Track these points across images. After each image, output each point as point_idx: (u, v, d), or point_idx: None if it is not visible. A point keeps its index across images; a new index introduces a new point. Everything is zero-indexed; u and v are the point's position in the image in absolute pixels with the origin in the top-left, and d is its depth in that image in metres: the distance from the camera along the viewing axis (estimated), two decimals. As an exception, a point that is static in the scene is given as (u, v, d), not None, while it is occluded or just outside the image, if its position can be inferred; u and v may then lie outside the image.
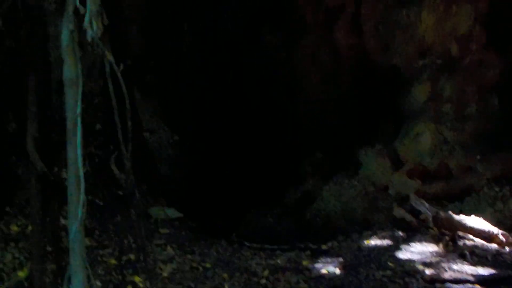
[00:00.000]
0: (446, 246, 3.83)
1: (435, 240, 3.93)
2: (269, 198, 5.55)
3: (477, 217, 4.13)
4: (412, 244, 3.88)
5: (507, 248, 3.88)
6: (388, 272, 3.45)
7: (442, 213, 4.14)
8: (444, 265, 3.57)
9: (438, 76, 5.12)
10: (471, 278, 3.39)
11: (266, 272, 3.50)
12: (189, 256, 3.78)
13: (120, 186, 2.76)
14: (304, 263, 3.66)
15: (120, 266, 3.20)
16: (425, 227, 4.12)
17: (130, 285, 3.14)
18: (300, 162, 5.67)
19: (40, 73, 2.77)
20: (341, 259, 3.68)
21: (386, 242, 3.95)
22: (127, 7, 5.54)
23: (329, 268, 3.53)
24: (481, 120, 5.12)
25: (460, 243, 3.84)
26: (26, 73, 2.77)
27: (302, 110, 5.76)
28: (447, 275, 3.41)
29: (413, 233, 4.04)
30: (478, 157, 4.94)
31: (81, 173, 2.10)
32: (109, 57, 2.13)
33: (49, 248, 2.73)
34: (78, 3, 2.16)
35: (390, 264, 3.57)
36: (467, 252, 3.70)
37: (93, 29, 2.10)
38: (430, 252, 3.76)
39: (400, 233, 4.05)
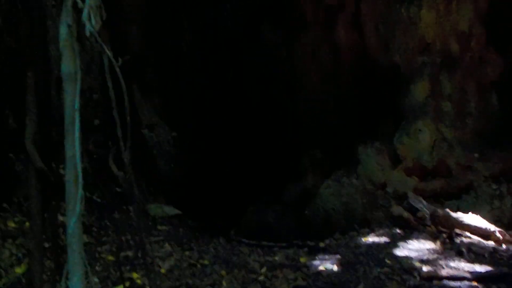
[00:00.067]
0: (443, 244, 3.85)
1: (433, 238, 3.94)
2: (268, 195, 5.56)
3: (474, 215, 4.14)
4: (410, 241, 3.89)
5: (504, 246, 3.90)
6: (386, 269, 3.46)
7: (439, 211, 4.15)
8: (442, 262, 3.58)
9: (438, 74, 5.12)
10: (468, 275, 3.40)
11: (264, 269, 3.50)
12: (187, 253, 3.79)
13: (119, 183, 2.76)
14: (302, 260, 3.67)
15: (118, 263, 3.20)
16: (423, 224, 4.13)
17: (128, 281, 3.15)
18: (300, 160, 5.67)
19: (39, 70, 2.76)
20: (339, 256, 3.69)
21: (384, 239, 3.96)
22: (127, 5, 5.53)
23: (327, 265, 3.54)
24: (480, 119, 5.12)
25: (457, 240, 3.85)
26: (25, 70, 2.76)
27: (301, 108, 5.76)
28: (444, 272, 3.42)
29: (411, 231, 4.05)
30: (477, 155, 4.94)
31: (79, 169, 2.10)
32: (108, 51, 2.12)
33: (47, 245, 2.73)
34: (76, -3, 2.15)
35: (387, 261, 3.58)
36: (464, 250, 3.71)
37: (91, 23, 2.09)
38: (427, 249, 3.77)
39: (398, 231, 4.07)
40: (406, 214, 4.18)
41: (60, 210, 2.70)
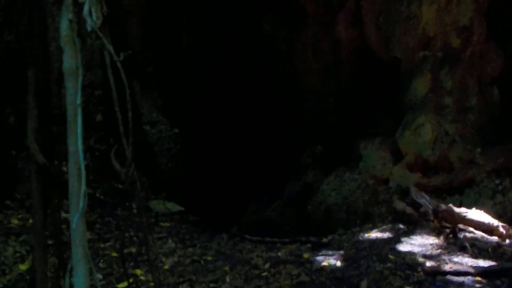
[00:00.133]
0: (446, 239, 3.84)
1: (436, 233, 3.93)
2: (270, 192, 5.55)
3: (477, 210, 4.13)
4: (413, 236, 3.88)
5: (507, 241, 3.89)
6: (389, 265, 3.45)
7: (442, 206, 4.13)
8: (445, 257, 3.58)
9: (439, 69, 5.10)
10: (471, 270, 3.39)
11: (267, 265, 3.50)
12: (190, 249, 3.79)
13: (121, 180, 2.76)
14: (305, 255, 3.67)
15: (122, 259, 3.20)
16: (426, 219, 4.12)
17: (132, 277, 3.14)
18: (301, 156, 5.66)
19: (40, 68, 2.75)
20: (342, 252, 3.69)
21: (386, 234, 3.95)
22: (127, 4, 5.52)
23: (330, 260, 3.53)
24: (481, 113, 5.11)
25: (461, 235, 3.84)
26: (25, 68, 2.75)
27: (302, 104, 5.75)
28: (447, 267, 3.41)
29: (414, 226, 4.04)
30: (479, 149, 4.93)
31: (82, 164, 2.09)
32: (109, 46, 2.11)
33: (50, 241, 2.72)
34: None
35: (390, 256, 3.57)
36: (467, 245, 3.71)
37: (92, 18, 2.08)
38: (430, 244, 3.77)
39: (401, 226, 4.06)
40: (408, 210, 4.17)
41: (63, 207, 2.70)
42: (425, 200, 4.26)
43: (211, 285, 3.23)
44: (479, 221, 3.98)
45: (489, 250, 3.69)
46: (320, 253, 3.68)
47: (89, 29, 2.10)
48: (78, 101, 2.16)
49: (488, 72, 5.16)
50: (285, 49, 5.76)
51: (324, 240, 3.99)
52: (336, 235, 4.09)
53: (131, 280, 2.99)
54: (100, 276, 3.22)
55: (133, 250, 3.53)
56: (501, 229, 3.96)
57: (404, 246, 3.74)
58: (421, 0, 5.05)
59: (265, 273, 3.40)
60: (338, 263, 3.51)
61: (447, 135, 4.99)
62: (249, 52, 5.89)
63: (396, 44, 5.20)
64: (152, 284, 3.12)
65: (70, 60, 2.21)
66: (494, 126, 5.08)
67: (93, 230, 3.81)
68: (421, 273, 3.37)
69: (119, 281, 3.25)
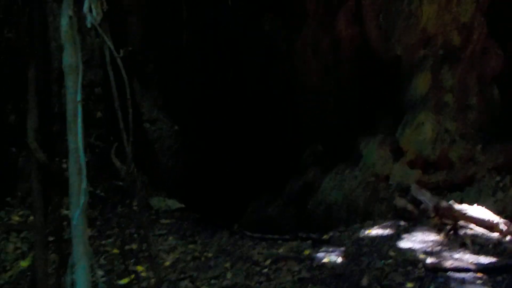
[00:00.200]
0: (447, 235, 3.84)
1: (436, 230, 3.94)
2: (271, 189, 5.56)
3: (478, 207, 4.13)
4: (414, 233, 3.88)
5: (508, 237, 3.89)
6: (390, 261, 3.46)
7: (443, 203, 4.14)
8: (446, 254, 3.58)
9: (440, 67, 5.10)
10: (472, 267, 3.39)
11: (268, 261, 3.50)
12: (191, 246, 3.79)
13: (121, 177, 2.76)
14: (306, 252, 3.67)
15: (123, 256, 3.21)
16: (426, 216, 4.12)
17: (133, 274, 3.15)
18: (301, 153, 5.67)
19: (40, 65, 2.76)
20: (342, 249, 3.69)
21: (387, 231, 3.96)
22: (127, 1, 5.52)
23: (330, 257, 3.54)
24: (482, 110, 5.11)
25: (461, 232, 3.84)
26: (25, 66, 2.76)
27: (302, 102, 5.75)
28: (448, 263, 3.42)
29: (414, 223, 4.04)
30: (479, 147, 4.93)
31: (83, 160, 2.10)
32: (109, 42, 2.12)
33: (51, 238, 2.73)
34: (77, -11, 2.15)
35: (391, 253, 3.58)
36: (468, 241, 3.71)
37: (92, 14, 2.09)
38: (431, 241, 3.77)
39: (401, 223, 4.06)
40: (409, 206, 4.17)
41: (64, 204, 2.70)
42: (425, 197, 4.26)
43: (212, 281, 3.24)
44: (480, 218, 3.99)
45: (490, 246, 3.69)
46: (321, 250, 3.69)
47: (89, 25, 2.10)
48: (78, 98, 2.16)
49: (488, 70, 5.16)
50: (285, 48, 5.76)
51: (325, 237, 3.99)
52: (336, 232, 4.10)
53: (132, 277, 3.00)
54: (101, 273, 3.23)
55: (134, 246, 3.54)
56: (502, 226, 3.97)
57: (405, 243, 3.75)
58: (422, -3, 5.06)
59: (266, 270, 3.40)
60: (339, 260, 3.51)
61: (448, 134, 4.99)
62: (249, 51, 5.89)
63: (396, 42, 5.20)
64: (153, 280, 3.13)
65: (70, 57, 2.22)
66: (494, 125, 5.08)
67: (93, 227, 3.82)
68: (422, 269, 3.37)
69: (120, 277, 3.26)
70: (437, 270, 3.36)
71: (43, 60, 2.79)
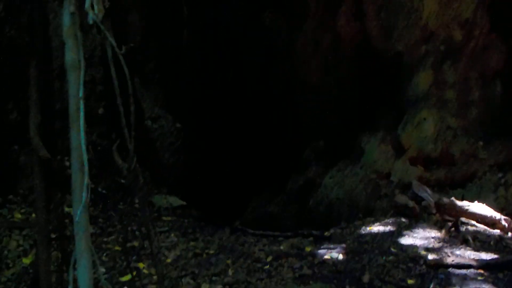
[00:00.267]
0: (448, 232, 3.84)
1: (438, 226, 3.94)
2: (272, 186, 5.56)
3: (479, 203, 4.13)
4: (415, 230, 3.88)
5: (509, 234, 3.90)
6: (391, 258, 3.46)
7: (445, 199, 4.14)
8: (447, 250, 3.58)
9: (441, 62, 5.09)
10: (473, 263, 3.40)
11: (269, 258, 3.51)
12: (192, 243, 3.80)
13: (123, 175, 2.76)
14: (307, 249, 3.68)
15: (125, 253, 3.21)
16: (428, 213, 4.13)
17: (135, 271, 3.16)
18: (303, 151, 5.67)
19: (42, 62, 2.76)
20: (344, 245, 3.69)
21: (388, 228, 3.96)
22: None
23: (332, 254, 3.54)
24: (484, 107, 5.10)
25: (463, 228, 3.84)
26: (27, 61, 2.76)
27: (304, 98, 5.74)
28: (450, 260, 3.42)
29: (416, 219, 4.04)
30: (481, 143, 4.93)
31: (85, 157, 2.10)
32: (110, 38, 2.11)
33: (53, 235, 2.74)
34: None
35: (393, 249, 3.58)
36: (469, 238, 3.71)
37: (94, 11, 2.08)
38: (432, 237, 3.77)
39: (403, 220, 4.06)
40: (411, 203, 4.17)
41: (66, 202, 2.71)
42: (427, 194, 4.26)
43: (214, 278, 3.25)
44: (481, 214, 3.99)
45: (491, 243, 3.70)
46: (322, 247, 3.69)
47: (90, 22, 2.10)
48: (80, 94, 2.16)
49: (490, 67, 5.14)
50: (286, 45, 5.75)
51: (326, 233, 3.99)
52: (338, 229, 4.10)
53: (134, 273, 3.01)
54: (103, 270, 3.24)
55: (136, 244, 3.55)
56: (503, 222, 3.97)
57: (406, 239, 3.75)
58: (423, -7, 5.04)
59: (267, 266, 3.41)
60: (340, 256, 3.52)
61: (449, 129, 4.98)
62: (250, 49, 5.88)
63: (398, 38, 5.18)
64: (155, 277, 3.14)
65: (72, 53, 2.22)
66: (496, 120, 5.07)
67: (96, 224, 3.83)
68: (424, 266, 3.37)
69: (122, 274, 3.27)
70: (439, 266, 3.36)
71: (44, 58, 2.79)
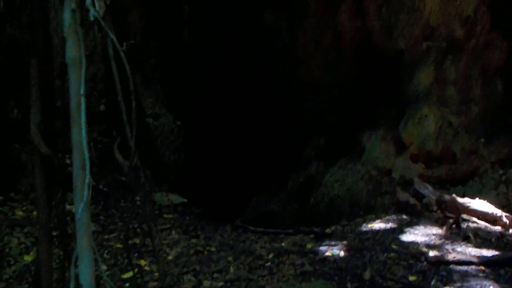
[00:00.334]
0: (449, 229, 3.85)
1: (439, 223, 3.94)
2: (273, 184, 5.56)
3: (481, 200, 4.13)
4: (416, 227, 3.89)
5: (510, 230, 3.90)
6: (393, 255, 3.46)
7: (446, 196, 4.14)
8: (448, 247, 3.58)
9: (443, 59, 5.09)
10: (475, 260, 3.40)
11: (270, 255, 3.51)
12: (193, 240, 3.81)
13: (124, 172, 2.76)
14: (309, 246, 3.68)
15: (126, 250, 3.22)
16: (429, 210, 4.13)
17: (136, 268, 3.16)
18: (304, 147, 5.67)
19: (42, 58, 2.75)
20: (345, 242, 3.70)
21: (390, 225, 3.96)
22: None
23: (333, 250, 3.54)
24: (485, 104, 5.10)
25: (464, 225, 3.85)
26: (27, 59, 2.75)
27: (305, 96, 5.74)
28: (451, 257, 3.42)
29: (417, 217, 4.05)
30: (482, 140, 4.93)
31: (86, 154, 2.10)
32: (112, 35, 2.11)
33: (54, 233, 2.74)
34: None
35: (394, 246, 3.58)
36: (471, 235, 3.71)
37: (95, 8, 2.08)
38: (434, 234, 3.77)
39: (404, 217, 4.06)
40: (412, 200, 4.17)
41: (67, 199, 2.71)
42: (428, 191, 4.26)
43: (215, 275, 3.25)
44: (482, 211, 3.99)
45: (492, 239, 3.70)
46: (323, 244, 3.69)
47: (91, 18, 2.10)
48: (82, 91, 2.16)
49: (492, 63, 5.14)
50: (287, 43, 5.74)
51: (328, 230, 4.00)
52: (339, 226, 4.11)
53: (135, 271, 3.01)
54: (105, 267, 3.24)
55: (137, 241, 3.56)
56: (505, 219, 3.97)
57: (408, 236, 3.75)
58: (425, -10, 5.03)
59: (269, 263, 3.41)
60: (342, 253, 3.52)
61: (451, 126, 4.98)
62: (251, 47, 5.88)
63: (399, 35, 5.17)
64: (156, 274, 3.14)
65: (73, 50, 2.22)
66: (497, 118, 5.07)
67: (97, 222, 3.84)
68: (425, 262, 3.38)
69: (124, 271, 3.27)
70: (440, 263, 3.36)
71: (44, 57, 2.78)
